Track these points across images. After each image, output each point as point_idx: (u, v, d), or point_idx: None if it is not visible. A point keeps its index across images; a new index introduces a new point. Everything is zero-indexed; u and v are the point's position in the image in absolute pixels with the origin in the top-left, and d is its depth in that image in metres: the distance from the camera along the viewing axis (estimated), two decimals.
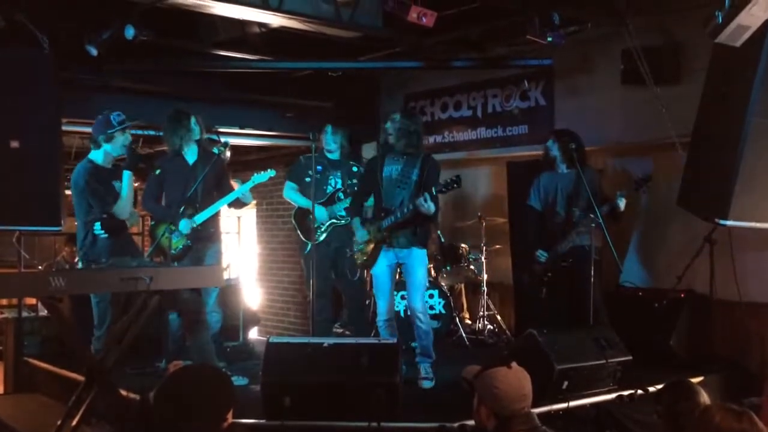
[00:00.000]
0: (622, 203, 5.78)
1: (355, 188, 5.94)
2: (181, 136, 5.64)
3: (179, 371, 2.78)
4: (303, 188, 6.10)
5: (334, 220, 6.03)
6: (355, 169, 6.22)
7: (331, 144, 6.13)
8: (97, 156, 5.55)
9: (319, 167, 6.04)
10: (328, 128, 6.15)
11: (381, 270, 5.35)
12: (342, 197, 6.05)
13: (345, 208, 5.94)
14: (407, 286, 5.40)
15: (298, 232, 6.19)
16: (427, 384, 5.26)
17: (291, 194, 6.21)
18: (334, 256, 6.08)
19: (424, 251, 5.37)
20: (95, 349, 5.29)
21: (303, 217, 6.13)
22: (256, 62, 6.95)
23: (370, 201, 5.59)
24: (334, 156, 6.18)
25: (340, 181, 6.12)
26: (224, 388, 2.69)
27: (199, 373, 2.78)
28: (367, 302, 6.73)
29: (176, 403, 2.58)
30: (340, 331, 7.53)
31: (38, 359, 6.54)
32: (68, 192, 5.79)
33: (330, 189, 6.10)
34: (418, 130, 5.33)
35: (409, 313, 5.61)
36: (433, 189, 5.01)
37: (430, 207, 4.98)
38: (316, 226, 5.95)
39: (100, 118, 5.56)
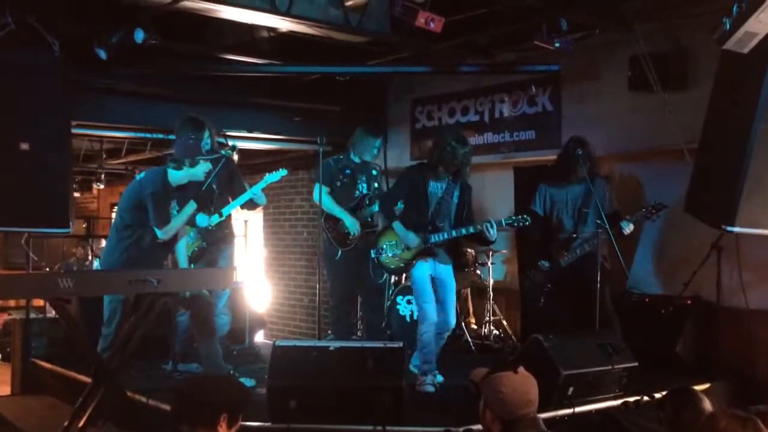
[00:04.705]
0: (627, 228, 5.64)
1: (386, 193, 5.92)
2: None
3: (190, 381, 2.84)
4: (334, 192, 5.99)
5: (367, 229, 5.95)
6: (375, 172, 6.17)
7: (375, 151, 6.09)
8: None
9: (347, 171, 6.01)
10: (370, 136, 6.06)
11: (425, 277, 5.34)
12: (369, 203, 5.99)
13: (380, 212, 5.78)
14: (445, 302, 5.36)
15: (330, 238, 6.01)
16: (430, 388, 5.21)
17: (326, 201, 5.95)
18: (361, 261, 5.96)
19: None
20: (101, 348, 5.24)
21: (335, 223, 5.99)
22: (264, 66, 6.98)
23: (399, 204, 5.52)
24: (360, 159, 6.08)
25: (366, 185, 6.07)
26: (235, 394, 2.74)
27: (211, 383, 2.83)
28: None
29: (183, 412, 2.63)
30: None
31: (45, 360, 6.54)
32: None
33: (358, 193, 6.04)
34: (470, 158, 5.37)
35: (438, 328, 5.37)
36: (503, 221, 5.25)
37: (494, 234, 5.18)
38: (347, 233, 5.90)
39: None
